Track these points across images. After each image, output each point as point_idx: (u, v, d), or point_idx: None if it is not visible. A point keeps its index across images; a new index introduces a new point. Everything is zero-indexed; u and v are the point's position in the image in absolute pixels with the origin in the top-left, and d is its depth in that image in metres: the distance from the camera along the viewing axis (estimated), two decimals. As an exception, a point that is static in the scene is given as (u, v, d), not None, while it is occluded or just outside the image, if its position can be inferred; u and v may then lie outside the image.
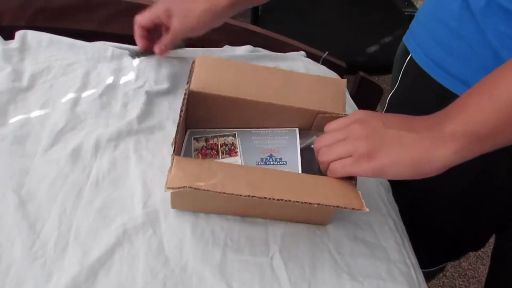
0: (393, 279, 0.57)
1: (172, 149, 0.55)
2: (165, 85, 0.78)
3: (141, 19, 0.71)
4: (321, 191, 0.51)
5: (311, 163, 0.63)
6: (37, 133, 0.66)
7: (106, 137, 0.68)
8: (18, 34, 0.82)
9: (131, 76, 0.80)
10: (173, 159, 0.53)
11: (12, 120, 0.68)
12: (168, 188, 0.48)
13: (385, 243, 0.61)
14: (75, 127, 0.70)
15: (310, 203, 0.48)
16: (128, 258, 0.54)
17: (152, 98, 0.76)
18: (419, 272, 0.61)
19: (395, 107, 0.80)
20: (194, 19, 0.66)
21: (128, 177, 0.63)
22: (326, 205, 0.48)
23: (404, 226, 0.68)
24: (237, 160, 0.56)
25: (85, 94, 0.76)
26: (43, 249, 0.54)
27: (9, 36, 0.83)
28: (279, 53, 0.91)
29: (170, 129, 0.72)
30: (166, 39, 0.72)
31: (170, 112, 0.75)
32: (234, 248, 0.57)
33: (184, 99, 0.56)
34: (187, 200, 0.55)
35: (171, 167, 0.52)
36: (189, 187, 0.48)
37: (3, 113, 0.69)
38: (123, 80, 0.79)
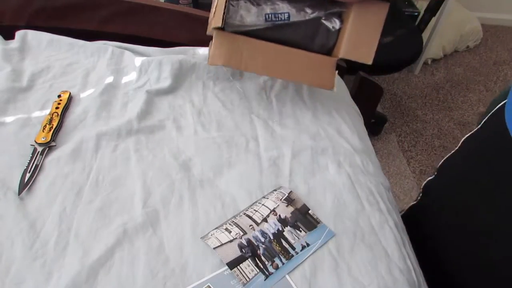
0: (393, 278, 0.57)
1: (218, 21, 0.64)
2: (165, 85, 0.78)
3: None
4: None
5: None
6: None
7: (106, 137, 0.68)
8: (18, 34, 0.82)
9: (132, 76, 0.80)
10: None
11: (12, 120, 0.68)
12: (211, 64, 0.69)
13: (385, 243, 0.61)
14: (75, 126, 0.70)
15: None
16: (128, 258, 0.54)
17: (152, 97, 0.76)
18: (420, 273, 0.61)
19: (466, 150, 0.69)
20: None
21: (128, 177, 0.63)
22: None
23: (404, 226, 0.68)
24: None
25: (85, 94, 0.76)
26: (43, 248, 0.54)
27: (9, 35, 0.83)
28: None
29: (170, 129, 0.72)
30: None
31: (170, 112, 0.75)
32: (234, 247, 0.57)
33: None
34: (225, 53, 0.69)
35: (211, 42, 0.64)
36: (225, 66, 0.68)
37: (3, 112, 0.69)
38: (124, 79, 0.79)
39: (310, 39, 0.72)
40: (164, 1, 1.22)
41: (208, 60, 0.70)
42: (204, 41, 0.90)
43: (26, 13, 0.86)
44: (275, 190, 0.64)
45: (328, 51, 0.74)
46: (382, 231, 0.62)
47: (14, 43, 0.81)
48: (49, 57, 0.81)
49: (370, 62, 0.71)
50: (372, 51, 0.71)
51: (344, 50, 0.70)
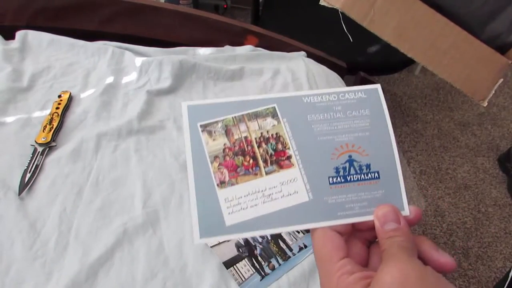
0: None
1: None
2: (166, 85, 0.78)
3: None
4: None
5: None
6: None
7: (107, 137, 0.68)
8: (19, 34, 0.82)
9: (132, 76, 0.80)
10: None
11: (13, 120, 0.68)
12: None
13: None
14: (75, 126, 0.70)
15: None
16: (128, 258, 0.54)
17: (152, 97, 0.76)
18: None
19: None
20: None
21: (128, 177, 0.63)
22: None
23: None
24: (295, 177, 0.31)
25: (85, 94, 0.76)
26: (44, 248, 0.54)
27: (9, 36, 0.83)
28: (280, 53, 0.91)
29: (171, 129, 0.72)
30: None
31: (170, 112, 0.75)
32: (234, 248, 0.58)
33: None
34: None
35: None
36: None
37: (3, 112, 0.69)
38: (124, 79, 0.79)
39: (484, 19, 0.47)
40: (164, 1, 1.22)
41: None
42: (204, 41, 0.90)
43: (26, 13, 0.86)
44: None
45: (501, 47, 0.48)
46: (382, 232, 0.62)
47: (14, 43, 0.81)
48: (49, 57, 0.81)
49: None
50: None
51: None
